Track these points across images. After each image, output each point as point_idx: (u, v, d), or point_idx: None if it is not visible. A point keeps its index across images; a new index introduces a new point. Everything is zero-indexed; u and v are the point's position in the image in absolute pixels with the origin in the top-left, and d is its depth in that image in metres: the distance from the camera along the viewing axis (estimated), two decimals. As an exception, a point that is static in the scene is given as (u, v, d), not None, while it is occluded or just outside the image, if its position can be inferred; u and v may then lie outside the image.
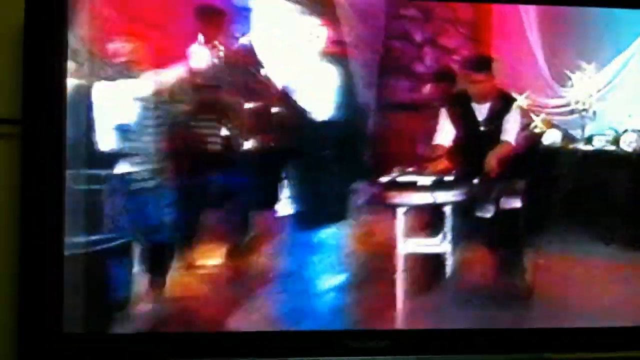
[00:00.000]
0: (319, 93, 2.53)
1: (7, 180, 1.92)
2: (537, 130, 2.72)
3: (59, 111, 1.85)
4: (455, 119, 2.68)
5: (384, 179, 2.58)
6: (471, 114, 2.73)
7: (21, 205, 1.84)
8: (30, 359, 1.83)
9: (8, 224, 1.92)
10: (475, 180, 2.63)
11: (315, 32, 2.52)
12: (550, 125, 2.72)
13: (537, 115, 2.73)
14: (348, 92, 2.54)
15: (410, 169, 2.62)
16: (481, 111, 2.71)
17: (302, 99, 2.52)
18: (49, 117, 1.84)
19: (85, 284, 1.88)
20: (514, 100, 2.70)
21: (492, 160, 2.64)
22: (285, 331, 2.23)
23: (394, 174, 2.59)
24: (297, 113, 2.50)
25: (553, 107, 2.73)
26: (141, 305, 2.23)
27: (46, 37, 1.86)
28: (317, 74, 2.55)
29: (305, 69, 2.54)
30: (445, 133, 2.69)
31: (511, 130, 2.71)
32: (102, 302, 2.10)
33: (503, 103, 2.70)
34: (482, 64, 2.67)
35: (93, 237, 2.08)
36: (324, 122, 2.51)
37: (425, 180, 2.61)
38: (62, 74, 1.87)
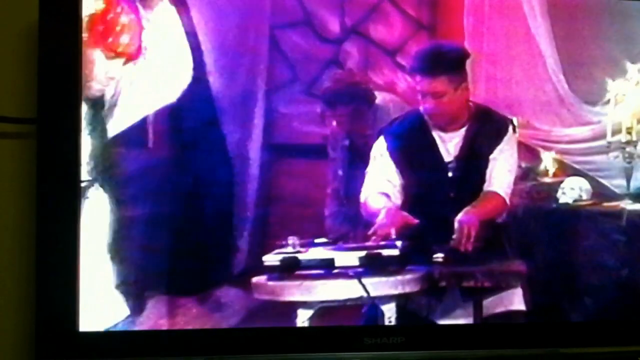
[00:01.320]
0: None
1: (23, 179, 2.03)
2: (546, 179, 1.95)
3: (74, 109, 1.89)
4: (401, 159, 1.86)
5: (270, 259, 1.75)
6: (432, 148, 1.89)
7: (37, 205, 1.90)
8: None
9: (24, 223, 2.02)
10: (439, 257, 1.81)
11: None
12: (569, 170, 1.96)
13: (547, 153, 1.94)
14: (208, 123, 1.78)
15: (321, 240, 1.80)
16: (447, 145, 1.89)
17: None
18: (64, 116, 1.90)
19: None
20: (507, 125, 1.89)
21: (468, 222, 1.81)
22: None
23: (288, 249, 1.77)
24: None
25: (573, 141, 1.96)
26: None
27: (61, 34, 1.89)
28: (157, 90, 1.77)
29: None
30: (383, 177, 1.86)
31: (501, 176, 1.89)
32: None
33: (487, 130, 1.89)
34: (447, 60, 1.87)
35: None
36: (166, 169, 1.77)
37: (348, 257, 1.77)
38: (77, 72, 1.89)
